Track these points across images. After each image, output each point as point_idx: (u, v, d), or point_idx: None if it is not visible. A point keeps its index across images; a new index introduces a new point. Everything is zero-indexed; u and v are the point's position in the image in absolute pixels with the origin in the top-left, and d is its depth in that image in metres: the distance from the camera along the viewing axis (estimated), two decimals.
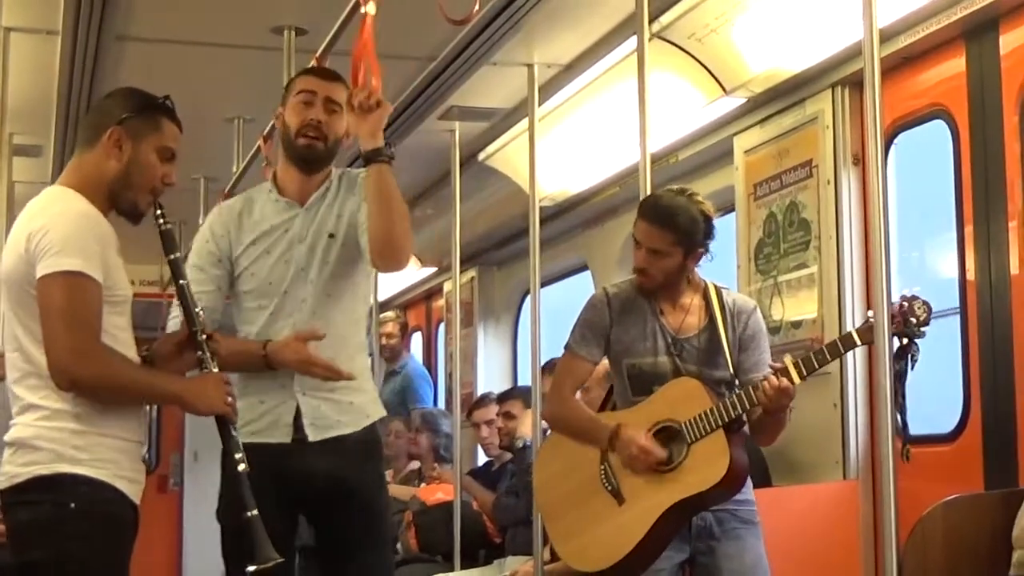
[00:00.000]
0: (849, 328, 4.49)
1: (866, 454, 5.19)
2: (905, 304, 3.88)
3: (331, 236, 4.27)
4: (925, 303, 3.92)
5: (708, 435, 4.16)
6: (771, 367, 4.14)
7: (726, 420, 4.15)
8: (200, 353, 3.76)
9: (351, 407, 4.27)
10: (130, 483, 3.62)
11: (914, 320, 3.89)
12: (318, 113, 4.25)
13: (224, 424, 3.74)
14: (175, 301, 4.09)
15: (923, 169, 5.59)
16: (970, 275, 4.85)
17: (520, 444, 6.75)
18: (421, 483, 8.01)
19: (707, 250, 4.37)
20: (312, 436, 4.21)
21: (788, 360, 4.11)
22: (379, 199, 4.05)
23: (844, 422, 5.23)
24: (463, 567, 6.83)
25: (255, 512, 3.68)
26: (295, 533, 4.35)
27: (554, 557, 5.42)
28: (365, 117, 4.01)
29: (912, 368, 3.88)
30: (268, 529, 3.69)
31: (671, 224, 4.29)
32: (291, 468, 4.19)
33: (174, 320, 4.12)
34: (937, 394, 5.17)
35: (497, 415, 7.15)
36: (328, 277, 4.26)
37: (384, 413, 4.46)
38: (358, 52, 4.02)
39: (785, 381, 4.06)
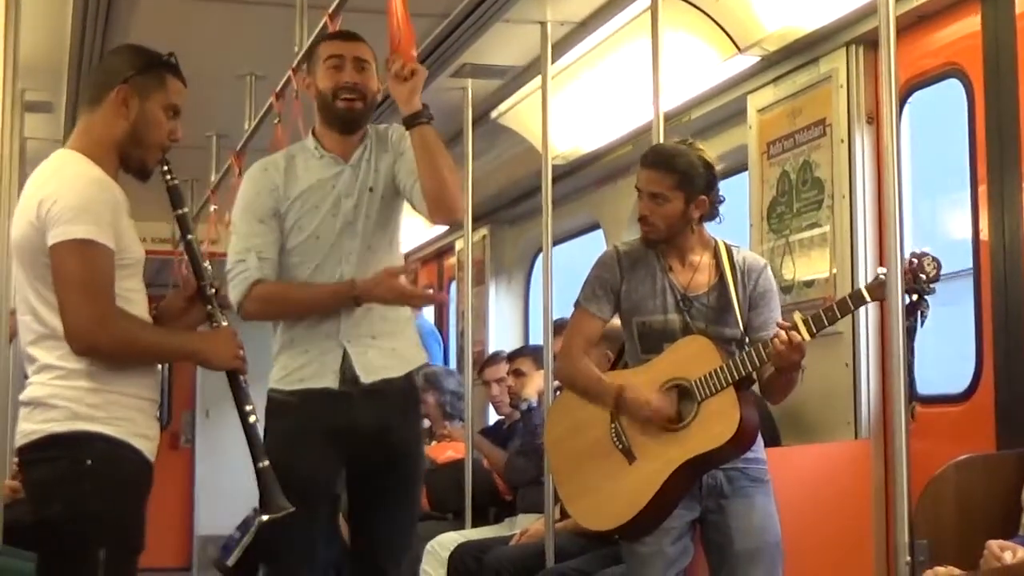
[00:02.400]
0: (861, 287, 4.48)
1: (878, 414, 5.19)
2: (915, 260, 3.88)
3: (371, 190, 4.40)
4: (935, 259, 3.92)
5: (718, 393, 4.18)
6: (780, 325, 4.13)
7: (736, 378, 4.16)
8: (209, 307, 3.79)
9: (394, 352, 4.42)
10: (145, 440, 3.65)
11: (924, 276, 3.89)
12: (351, 75, 4.37)
13: (235, 377, 3.78)
14: (236, 261, 4.29)
15: (937, 128, 5.57)
16: (983, 235, 4.84)
17: (525, 406, 6.77)
18: (432, 441, 8.02)
19: (713, 203, 4.37)
20: (364, 378, 4.33)
21: (798, 317, 4.11)
22: (428, 158, 4.20)
23: (856, 382, 5.22)
24: (474, 525, 6.86)
25: (266, 463, 3.75)
26: (337, 482, 4.47)
27: (564, 516, 5.44)
28: (401, 83, 4.14)
29: (922, 325, 3.88)
30: (296, 478, 3.84)
31: (669, 166, 4.33)
32: (338, 416, 4.31)
33: (244, 274, 4.29)
34: (949, 354, 5.17)
35: (508, 373, 7.16)
36: (371, 230, 4.40)
37: (424, 360, 4.66)
38: (392, 15, 4.09)
39: (796, 336, 4.06)
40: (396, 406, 4.43)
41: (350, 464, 4.43)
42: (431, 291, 4.46)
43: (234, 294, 4.27)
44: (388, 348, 4.40)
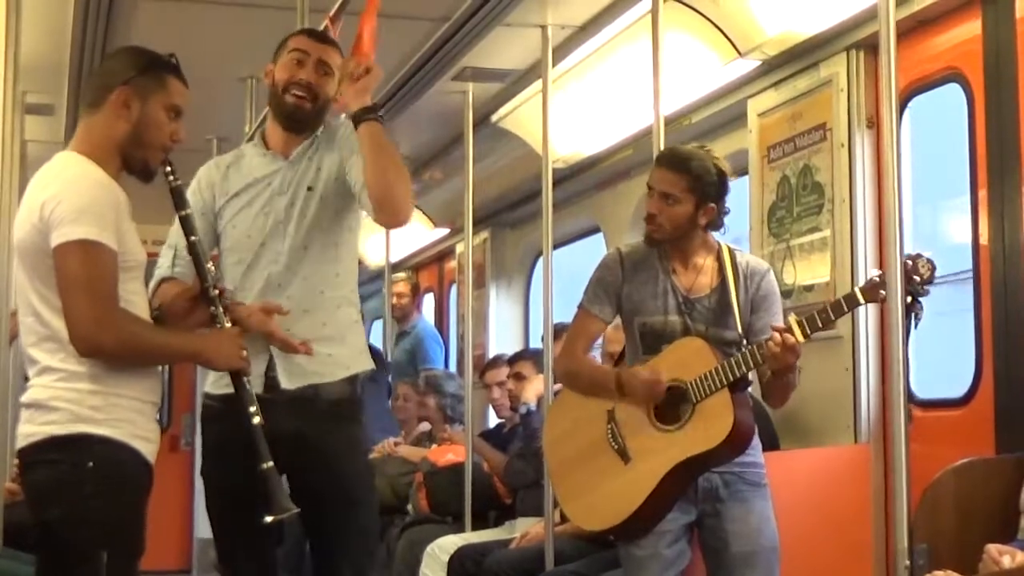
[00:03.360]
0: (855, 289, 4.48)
1: (877, 418, 5.19)
2: (910, 262, 3.88)
3: (309, 189, 4.28)
4: (929, 261, 3.93)
5: (713, 394, 4.18)
6: (774, 327, 4.14)
7: (731, 379, 4.17)
8: (213, 309, 3.78)
9: (328, 359, 4.25)
10: (146, 443, 3.65)
11: (918, 278, 3.90)
12: (309, 73, 4.29)
13: (238, 378, 3.78)
14: (163, 249, 4.23)
15: (937, 133, 5.57)
16: (983, 239, 4.84)
17: (524, 410, 6.77)
18: (432, 445, 8.03)
19: (720, 211, 4.37)
20: (286, 383, 4.20)
21: (792, 318, 4.12)
22: (374, 156, 4.06)
23: (855, 386, 5.23)
24: (473, 528, 6.86)
25: (271, 464, 3.73)
26: (255, 494, 4.32)
27: (564, 519, 5.45)
28: (353, 83, 4.09)
29: (916, 326, 3.88)
30: (222, 484, 3.88)
31: (684, 168, 4.33)
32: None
33: (159, 270, 4.22)
34: (949, 358, 5.18)
35: (508, 377, 7.16)
36: (306, 230, 4.26)
37: (370, 366, 4.41)
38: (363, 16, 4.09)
39: (790, 338, 4.06)
40: (323, 418, 4.24)
41: (289, 477, 4.14)
42: (300, 344, 4.13)
43: (149, 287, 4.12)
44: (324, 354, 4.23)
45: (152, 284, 4.18)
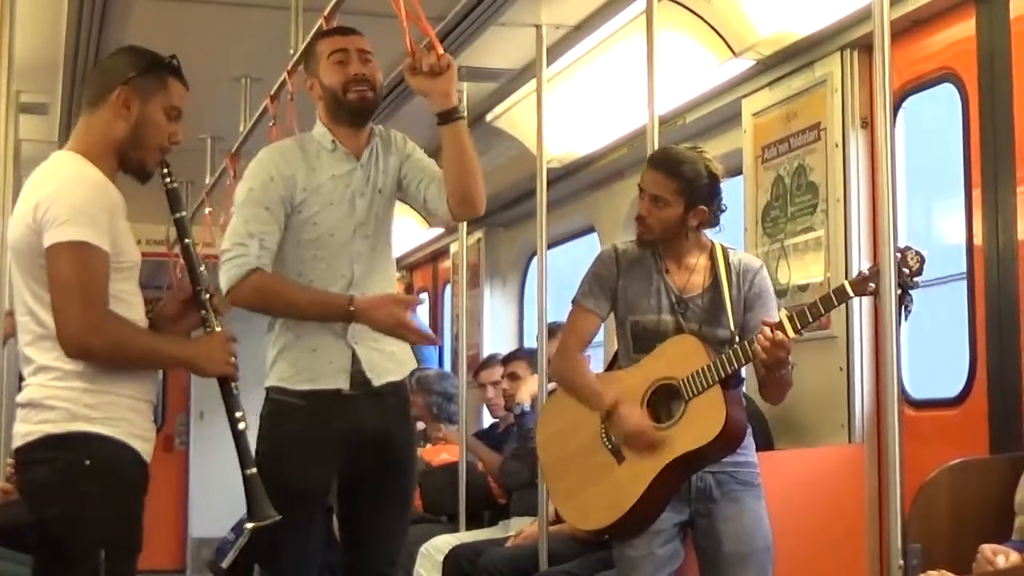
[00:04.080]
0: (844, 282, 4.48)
1: (871, 418, 5.20)
2: (899, 255, 3.89)
3: (380, 192, 4.38)
4: (918, 253, 3.94)
5: (705, 391, 4.18)
6: (765, 323, 4.14)
7: (722, 376, 4.17)
8: (204, 312, 3.77)
9: (394, 356, 4.39)
10: (142, 441, 3.65)
11: (907, 270, 3.91)
12: (358, 67, 4.32)
13: (225, 384, 3.76)
14: (235, 244, 4.21)
15: (931, 133, 5.57)
16: (977, 240, 4.84)
17: (518, 410, 6.76)
18: (426, 444, 8.03)
19: (713, 214, 4.38)
20: (374, 381, 4.30)
21: (783, 314, 4.13)
22: (460, 156, 4.22)
23: (849, 385, 5.23)
24: (468, 528, 6.86)
25: (254, 470, 3.73)
26: (330, 489, 4.42)
27: (558, 519, 5.45)
28: (436, 79, 4.13)
29: (906, 319, 3.89)
30: (304, 484, 3.93)
31: (675, 171, 4.34)
32: (344, 419, 4.27)
33: (239, 259, 4.19)
34: (943, 358, 5.18)
35: (502, 376, 7.16)
36: (379, 232, 4.39)
37: (416, 365, 4.61)
38: (402, 16, 4.07)
39: (780, 334, 4.07)
40: (395, 410, 4.40)
41: (348, 468, 4.36)
42: (430, 332, 4.40)
43: (228, 276, 4.18)
44: (389, 352, 4.35)
45: (236, 273, 4.17)
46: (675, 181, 4.33)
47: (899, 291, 3.82)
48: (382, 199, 4.39)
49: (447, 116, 4.17)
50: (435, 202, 4.34)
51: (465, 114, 4.24)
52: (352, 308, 4.20)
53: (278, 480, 3.87)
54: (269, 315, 4.34)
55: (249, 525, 3.70)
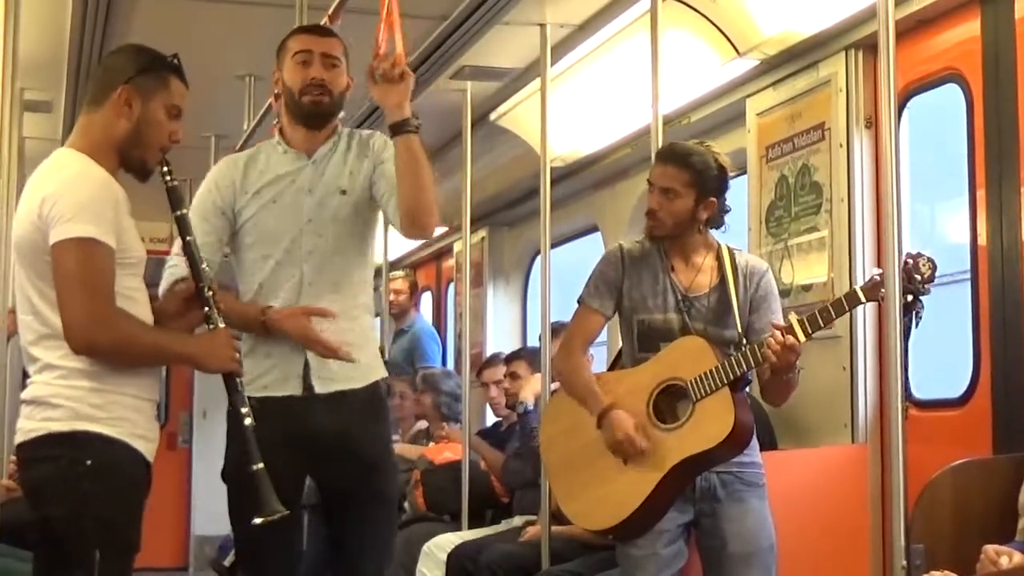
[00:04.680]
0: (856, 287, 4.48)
1: (875, 418, 5.19)
2: (910, 261, 3.89)
3: (343, 192, 4.29)
4: (930, 260, 3.94)
5: (713, 393, 4.18)
6: (775, 326, 4.14)
7: (731, 378, 4.17)
8: (207, 309, 3.76)
9: (356, 364, 4.28)
10: (145, 441, 3.64)
11: (919, 277, 3.91)
12: (318, 71, 4.27)
13: (231, 380, 3.76)
14: (171, 255, 4.17)
15: (936, 133, 5.57)
16: (981, 240, 4.84)
17: (521, 409, 6.76)
18: (429, 443, 8.02)
19: (721, 206, 4.38)
20: (319, 388, 4.22)
21: (793, 318, 4.13)
22: (409, 169, 4.08)
23: (853, 386, 5.23)
24: (470, 527, 6.85)
25: (261, 465, 3.70)
26: (302, 492, 4.36)
27: (560, 521, 5.43)
28: (390, 88, 4.06)
29: (917, 325, 3.89)
30: (276, 487, 3.71)
31: (685, 163, 4.36)
32: (299, 423, 4.20)
33: (171, 269, 4.16)
34: (947, 358, 5.17)
35: (504, 375, 7.16)
36: (338, 234, 4.27)
37: (385, 373, 4.46)
38: (382, 21, 4.04)
39: (790, 338, 4.07)
40: (358, 413, 4.30)
41: (319, 475, 4.32)
42: (338, 348, 4.18)
43: (160, 288, 4.16)
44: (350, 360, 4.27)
45: (167, 283, 4.18)
46: (686, 172, 4.34)
47: (910, 298, 3.82)
48: (346, 201, 4.28)
49: (397, 128, 4.08)
50: (392, 215, 4.22)
51: (419, 127, 4.09)
52: (263, 319, 4.18)
53: (241, 488, 3.86)
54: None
55: (258, 520, 3.70)
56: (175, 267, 4.18)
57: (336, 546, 4.39)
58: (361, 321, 4.36)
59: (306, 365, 4.23)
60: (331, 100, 4.30)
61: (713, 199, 4.35)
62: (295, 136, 4.36)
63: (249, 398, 4.09)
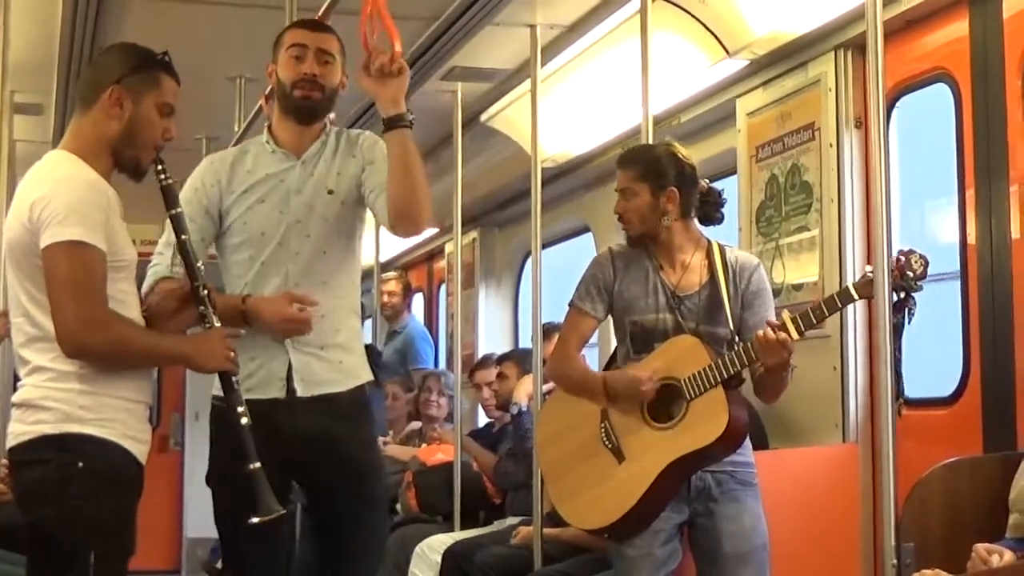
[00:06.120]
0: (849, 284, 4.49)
1: (865, 417, 5.20)
2: (902, 258, 3.90)
3: (330, 192, 4.26)
4: (922, 256, 3.94)
5: (707, 391, 4.19)
6: (769, 324, 4.15)
7: (725, 376, 4.18)
8: (202, 308, 3.76)
9: (341, 366, 4.27)
10: (136, 443, 3.64)
11: (911, 274, 3.91)
12: (311, 66, 4.24)
13: (227, 379, 3.76)
14: (154, 254, 4.17)
15: (925, 133, 5.58)
16: (971, 239, 4.85)
17: (515, 410, 6.77)
18: (421, 444, 8.02)
19: (690, 200, 4.41)
20: (301, 391, 4.20)
21: (786, 315, 4.14)
22: (402, 166, 4.05)
23: (844, 385, 5.23)
24: (463, 527, 6.86)
25: (258, 464, 3.70)
26: (288, 495, 4.31)
27: (555, 522, 5.44)
28: (385, 82, 4.02)
29: (909, 322, 3.90)
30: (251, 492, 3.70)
31: (632, 161, 4.45)
32: (283, 426, 4.16)
33: (154, 268, 4.16)
34: (937, 357, 5.19)
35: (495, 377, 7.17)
36: (325, 234, 4.25)
37: (371, 377, 4.43)
38: (367, 14, 4.00)
39: (783, 335, 4.08)
40: (344, 417, 4.27)
41: (305, 479, 4.30)
42: (308, 307, 4.11)
43: (143, 287, 4.11)
44: (336, 361, 4.25)
45: (149, 283, 4.16)
46: (634, 169, 4.41)
47: (902, 294, 3.83)
48: (333, 200, 4.25)
49: (392, 123, 4.04)
50: (381, 213, 4.19)
51: (412, 123, 4.06)
52: (244, 307, 4.13)
53: (233, 490, 3.84)
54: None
55: (255, 520, 3.69)
56: (157, 266, 4.18)
57: (326, 550, 4.35)
58: (351, 322, 4.35)
59: (289, 367, 4.21)
60: (323, 96, 4.27)
61: (673, 189, 4.36)
62: (284, 132, 4.33)
63: (220, 398, 4.05)
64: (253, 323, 4.14)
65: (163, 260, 4.19)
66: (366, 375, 4.38)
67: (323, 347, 4.22)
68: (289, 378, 4.21)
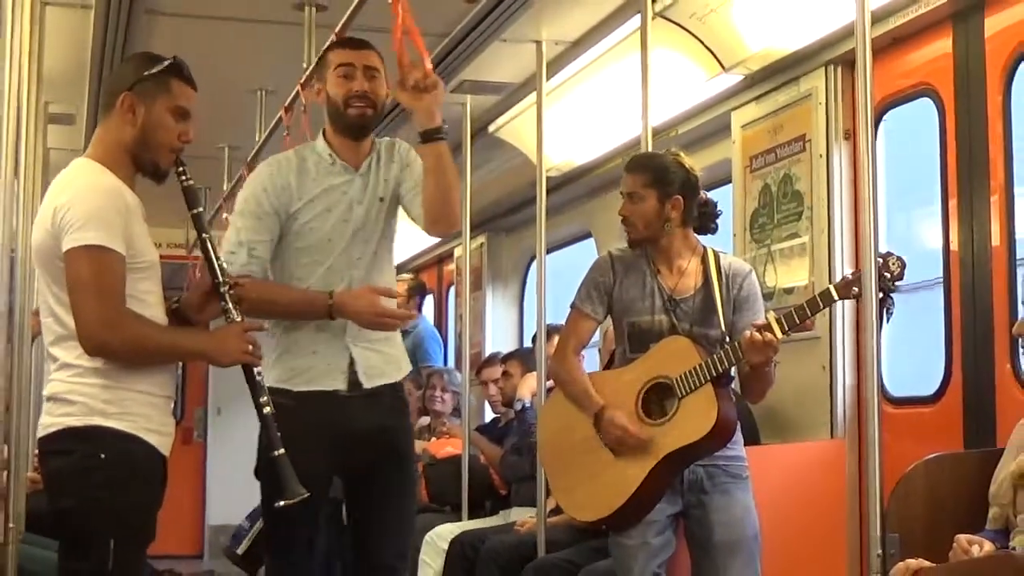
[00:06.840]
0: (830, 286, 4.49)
1: (852, 414, 5.20)
2: (880, 260, 3.90)
3: (381, 200, 4.34)
4: (899, 259, 3.96)
5: (697, 389, 4.19)
6: (754, 324, 4.15)
7: (714, 374, 4.18)
8: (223, 304, 3.75)
9: (391, 358, 4.38)
10: (159, 436, 3.64)
11: (888, 275, 3.92)
12: (361, 84, 4.28)
13: (249, 370, 3.74)
14: (227, 252, 4.16)
15: (910, 145, 5.58)
16: (953, 246, 4.85)
17: (519, 406, 6.77)
18: (432, 438, 8.02)
19: (692, 208, 4.40)
20: (366, 383, 4.28)
21: (771, 316, 4.14)
22: (438, 175, 4.14)
23: (832, 384, 5.23)
24: (470, 517, 6.86)
25: (282, 451, 3.71)
26: (328, 490, 4.39)
27: (555, 511, 5.45)
28: (421, 97, 4.05)
29: (888, 320, 3.90)
30: (307, 480, 3.72)
31: (642, 167, 4.43)
32: (338, 419, 4.23)
33: (234, 267, 4.11)
34: (921, 358, 5.18)
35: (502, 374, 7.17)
36: (378, 239, 4.35)
37: (411, 368, 4.58)
38: (398, 33, 4.01)
39: (768, 335, 4.08)
40: (391, 408, 4.37)
41: (350, 466, 4.34)
42: (405, 311, 4.33)
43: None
44: (387, 353, 4.35)
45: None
46: (644, 174, 4.39)
47: (881, 295, 3.82)
48: (383, 207, 4.35)
49: (429, 135, 4.11)
50: (417, 215, 4.29)
51: (446, 135, 4.14)
52: (331, 302, 4.18)
53: (276, 479, 3.83)
54: (254, 316, 4.17)
55: (281, 503, 3.69)
56: (234, 267, 4.14)
57: (361, 535, 4.40)
58: None
59: (351, 361, 4.27)
60: (375, 112, 4.33)
61: (678, 197, 4.36)
62: (341, 147, 4.36)
63: (288, 392, 4.14)
64: (338, 316, 4.20)
65: (239, 259, 4.21)
66: (407, 366, 4.49)
67: (375, 341, 4.31)
68: (352, 371, 4.27)
